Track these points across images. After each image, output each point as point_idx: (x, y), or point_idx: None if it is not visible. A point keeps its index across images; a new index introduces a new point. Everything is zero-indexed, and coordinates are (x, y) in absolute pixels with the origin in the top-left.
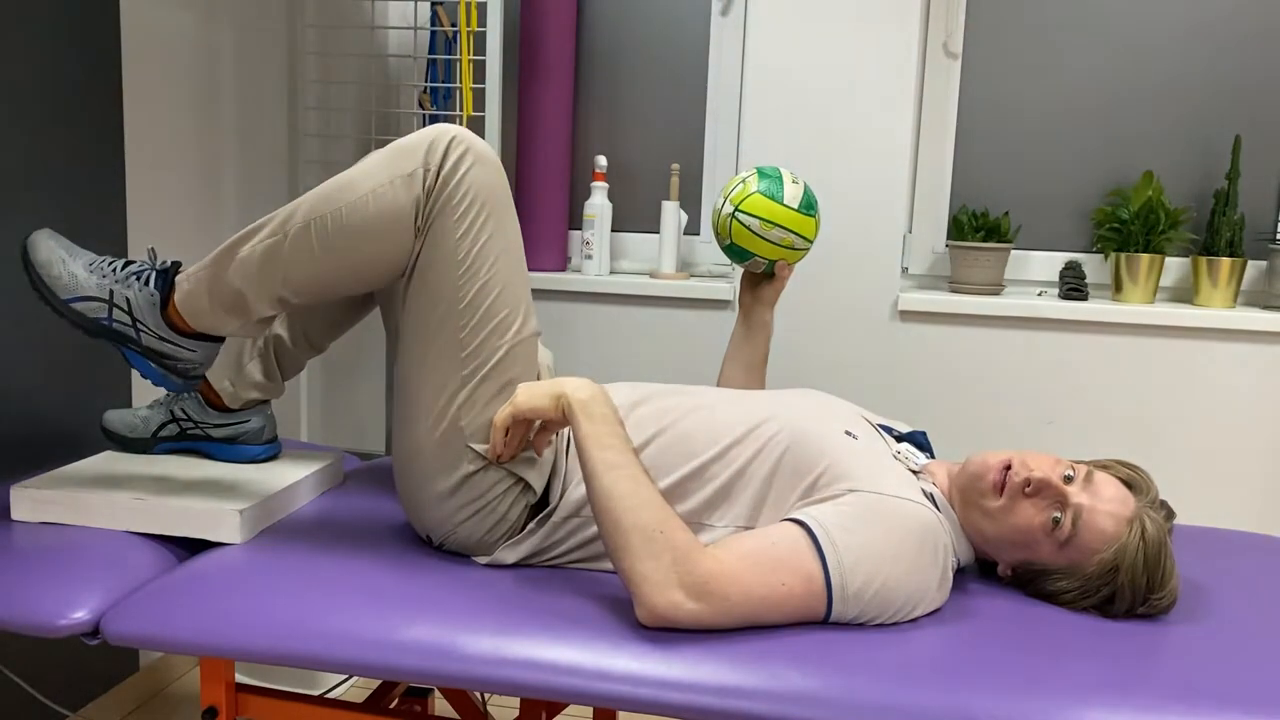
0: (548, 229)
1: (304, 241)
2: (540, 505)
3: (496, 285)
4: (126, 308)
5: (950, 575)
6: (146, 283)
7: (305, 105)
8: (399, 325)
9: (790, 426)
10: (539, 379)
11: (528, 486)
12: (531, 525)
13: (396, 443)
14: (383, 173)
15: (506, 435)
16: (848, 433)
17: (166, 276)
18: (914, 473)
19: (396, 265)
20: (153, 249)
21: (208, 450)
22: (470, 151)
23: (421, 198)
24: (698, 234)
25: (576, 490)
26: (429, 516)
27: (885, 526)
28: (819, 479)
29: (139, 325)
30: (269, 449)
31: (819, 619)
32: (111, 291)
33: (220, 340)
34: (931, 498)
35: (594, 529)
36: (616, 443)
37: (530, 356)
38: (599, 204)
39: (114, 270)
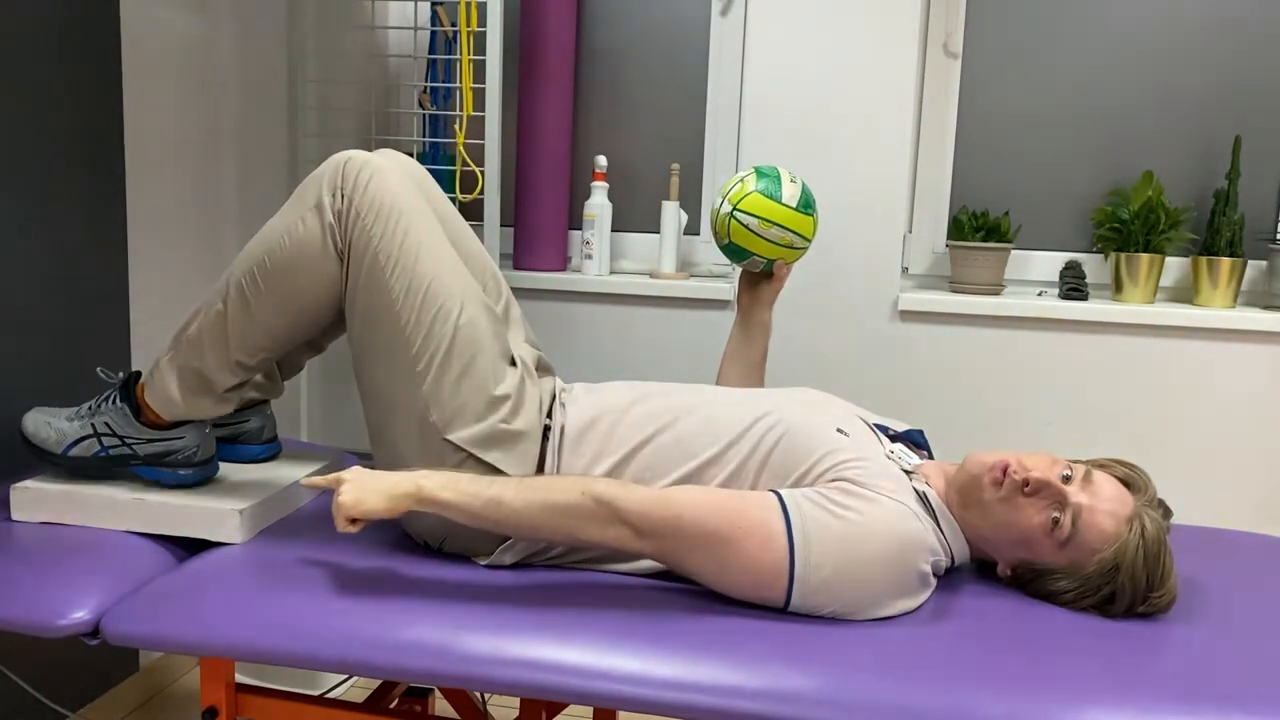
0: (548, 229)
1: (240, 300)
2: None
3: (425, 278)
4: (110, 431)
5: (931, 578)
6: (114, 401)
7: (305, 105)
8: (351, 348)
9: (783, 423)
10: (515, 364)
11: None
12: None
13: (378, 456)
14: (292, 212)
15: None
16: (840, 430)
17: (128, 387)
18: (907, 473)
19: (332, 294)
20: (102, 369)
21: None
22: (367, 166)
23: (333, 223)
24: (698, 234)
25: None
26: (423, 521)
27: (859, 514)
28: (807, 474)
29: (128, 441)
30: (269, 449)
31: (781, 588)
32: (92, 425)
33: (203, 420)
34: (925, 497)
35: None
36: (478, 484)
37: (482, 338)
38: (599, 204)
39: (88, 408)
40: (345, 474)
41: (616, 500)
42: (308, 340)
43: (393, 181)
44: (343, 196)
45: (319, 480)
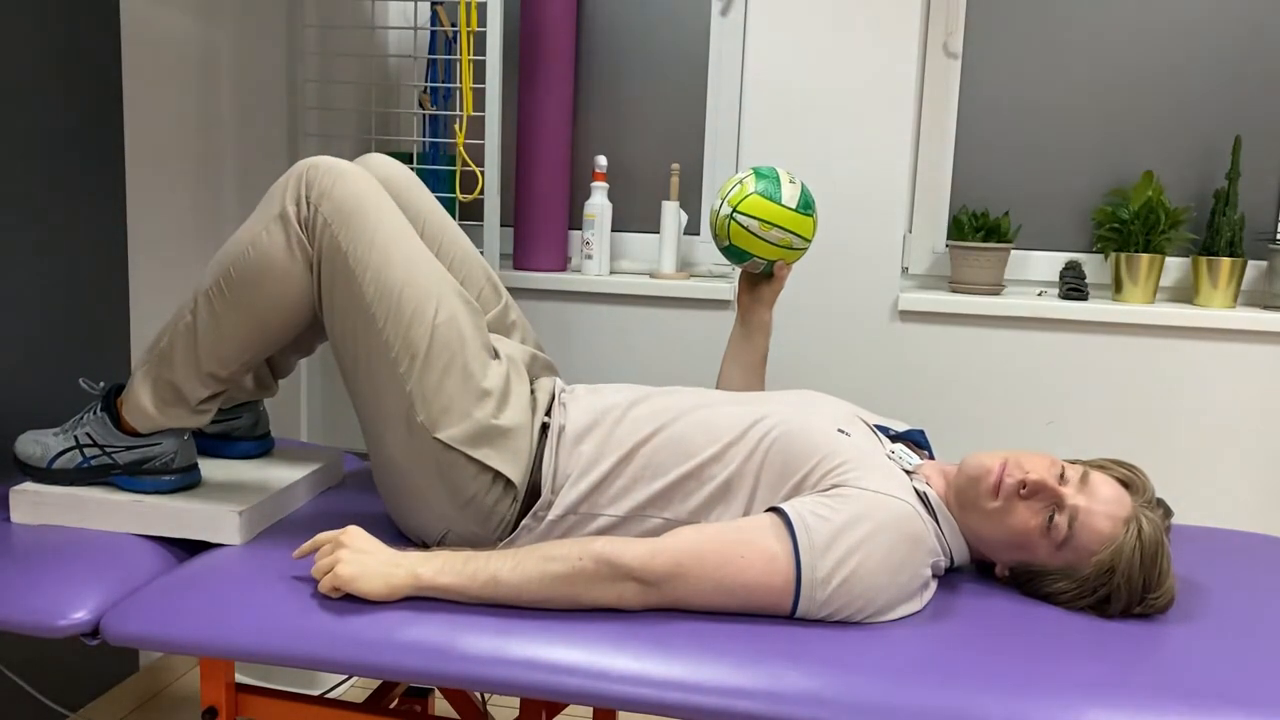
0: (548, 229)
1: (209, 312)
2: (539, 503)
3: (398, 281)
4: (91, 441)
5: (932, 580)
6: (95, 412)
7: (305, 105)
8: (334, 353)
9: (784, 425)
10: (498, 357)
11: (510, 483)
12: (527, 521)
13: (373, 464)
14: (258, 222)
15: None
16: (841, 431)
17: (109, 397)
18: (908, 473)
19: (302, 303)
20: (84, 381)
21: (202, 446)
22: (330, 172)
23: (299, 231)
24: (698, 234)
25: (572, 491)
26: (420, 522)
27: (864, 519)
28: (808, 475)
29: (107, 450)
30: (261, 445)
31: (787, 602)
32: (75, 437)
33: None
34: (925, 497)
35: (591, 527)
36: (474, 563)
37: (461, 334)
38: (599, 204)
39: (72, 422)
40: (344, 537)
41: (617, 556)
42: (294, 343)
43: (358, 185)
44: (308, 204)
45: (319, 538)
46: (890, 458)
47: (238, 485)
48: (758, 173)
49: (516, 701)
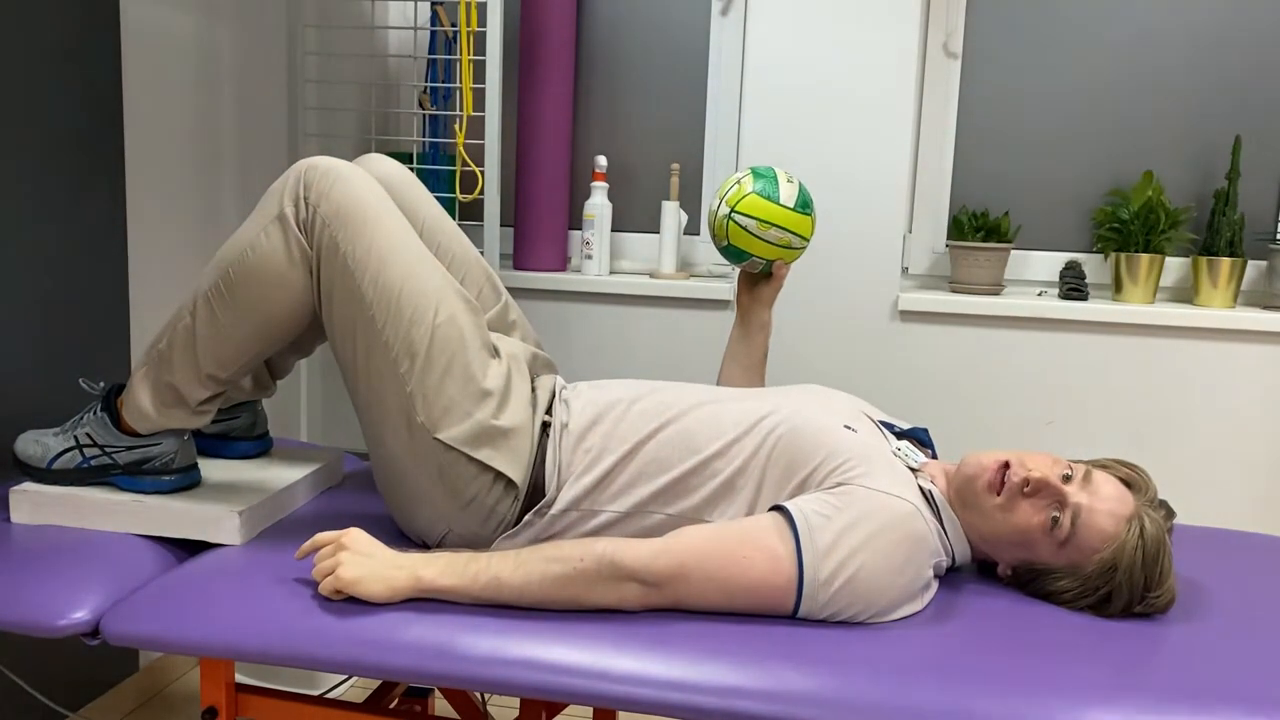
0: (548, 229)
1: (208, 314)
2: (540, 500)
3: (398, 282)
4: (91, 441)
5: (934, 581)
6: (95, 412)
7: (305, 105)
8: (334, 354)
9: (790, 421)
10: (498, 355)
11: (511, 483)
12: (529, 517)
13: (374, 464)
14: (256, 224)
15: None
16: (847, 427)
17: (109, 398)
18: (912, 470)
19: (302, 304)
20: (84, 381)
21: (199, 446)
22: (328, 173)
23: (298, 233)
24: (697, 234)
25: (575, 487)
26: (421, 522)
27: (867, 519)
28: (814, 473)
29: (107, 450)
30: (259, 445)
31: (789, 602)
32: (75, 437)
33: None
34: (930, 496)
35: (594, 523)
36: (476, 564)
37: (461, 334)
38: (599, 204)
39: (72, 422)
40: (346, 540)
41: (619, 557)
42: (293, 344)
43: (356, 186)
44: (307, 205)
45: (319, 539)
46: (896, 455)
47: (237, 485)
48: (755, 172)
49: (516, 701)
